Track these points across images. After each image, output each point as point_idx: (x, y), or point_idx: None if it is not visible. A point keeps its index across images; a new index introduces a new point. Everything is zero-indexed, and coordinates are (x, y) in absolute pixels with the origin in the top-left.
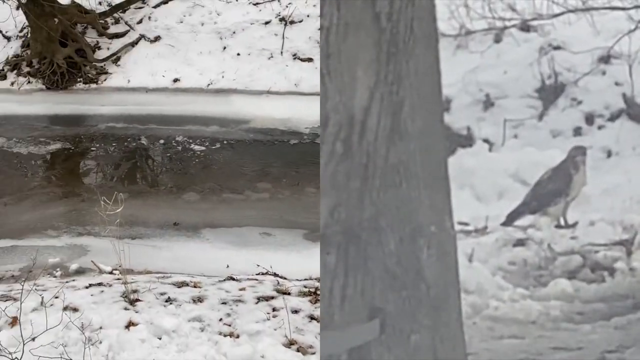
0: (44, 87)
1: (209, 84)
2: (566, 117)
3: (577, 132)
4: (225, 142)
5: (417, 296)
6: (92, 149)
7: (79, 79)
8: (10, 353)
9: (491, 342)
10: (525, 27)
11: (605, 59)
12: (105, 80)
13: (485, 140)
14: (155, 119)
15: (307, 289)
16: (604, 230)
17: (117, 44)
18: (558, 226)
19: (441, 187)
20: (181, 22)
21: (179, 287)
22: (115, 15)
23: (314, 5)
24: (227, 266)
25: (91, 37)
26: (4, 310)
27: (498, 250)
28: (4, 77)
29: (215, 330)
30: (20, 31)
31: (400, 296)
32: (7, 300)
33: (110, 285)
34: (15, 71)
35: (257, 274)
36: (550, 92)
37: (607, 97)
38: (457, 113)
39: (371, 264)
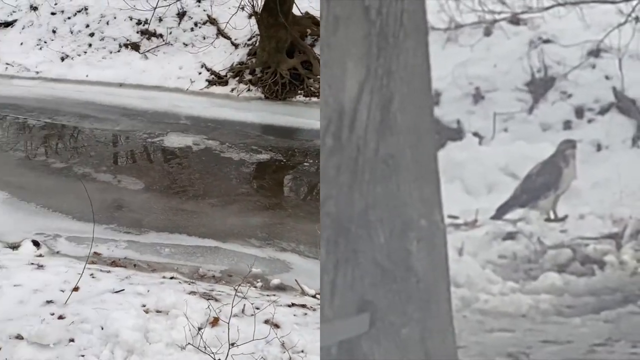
0: (262, 96)
1: None
2: (556, 111)
3: (567, 125)
4: None
5: (407, 289)
6: (305, 164)
7: (299, 91)
8: (213, 353)
9: (481, 335)
10: (515, 21)
11: (595, 52)
12: None
13: (475, 134)
14: None
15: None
16: (593, 224)
17: None
18: (548, 220)
19: (431, 180)
20: None
21: None
22: None
23: None
24: None
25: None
26: (207, 308)
27: (488, 244)
28: (226, 83)
29: None
30: (249, 40)
31: (390, 289)
32: (209, 299)
33: (314, 310)
34: (237, 78)
35: None
36: (540, 86)
37: (597, 90)
38: (447, 106)
39: (361, 258)
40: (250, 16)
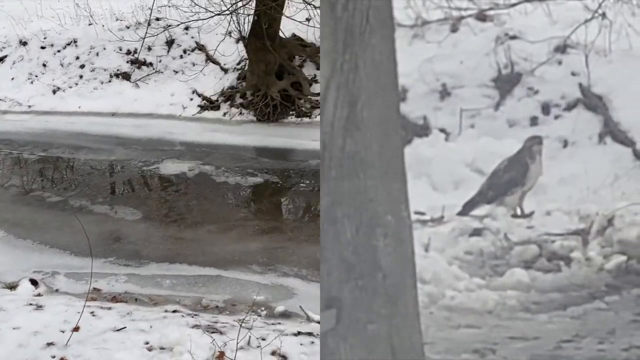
0: (254, 118)
1: None
2: (522, 107)
3: (534, 121)
4: None
5: (374, 286)
6: (301, 185)
7: (291, 112)
8: None
9: (448, 331)
10: (481, 17)
11: (562, 48)
12: (319, 114)
13: (442, 130)
14: None
15: None
16: (560, 220)
17: None
18: (514, 216)
19: (397, 176)
20: None
21: None
22: None
23: None
24: None
25: (309, 70)
26: (212, 343)
27: (454, 240)
28: (218, 108)
29: None
30: (238, 64)
31: (356, 285)
32: (213, 332)
33: None
34: (228, 102)
35: None
36: (506, 82)
37: (564, 86)
38: (413, 103)
39: (327, 254)
40: (237, 41)
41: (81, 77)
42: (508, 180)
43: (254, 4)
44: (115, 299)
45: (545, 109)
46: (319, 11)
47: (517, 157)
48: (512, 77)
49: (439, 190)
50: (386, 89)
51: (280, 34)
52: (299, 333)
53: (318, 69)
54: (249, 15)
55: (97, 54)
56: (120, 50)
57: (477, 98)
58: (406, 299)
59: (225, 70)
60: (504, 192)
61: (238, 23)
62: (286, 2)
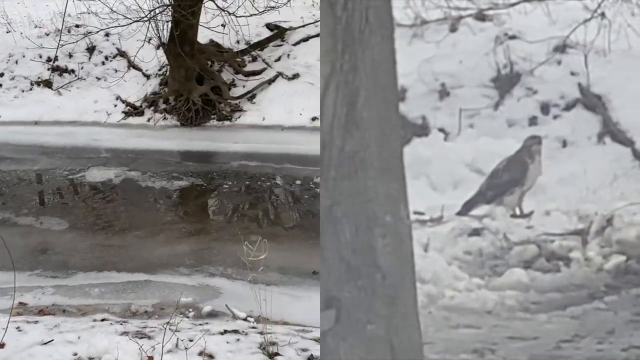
0: (178, 123)
1: None
2: (522, 107)
3: (533, 121)
4: None
5: (373, 286)
6: (225, 186)
7: (212, 116)
8: None
9: (447, 331)
10: (480, 17)
11: (561, 48)
12: (239, 117)
13: (441, 130)
14: (292, 158)
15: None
16: (559, 220)
17: (253, 81)
18: (514, 216)
19: (397, 176)
20: None
21: None
22: (253, 53)
23: None
24: None
25: (228, 75)
26: (140, 348)
27: (454, 240)
28: (142, 114)
29: None
30: (160, 70)
31: (355, 286)
32: (142, 337)
33: (247, 334)
34: (152, 107)
35: None
36: (505, 82)
37: (563, 86)
38: (412, 102)
39: (327, 253)
40: (158, 47)
41: (0, 85)
42: (507, 180)
43: (171, 11)
44: (42, 312)
45: (545, 108)
46: (233, 18)
47: (516, 157)
48: (511, 77)
49: (438, 190)
50: (385, 88)
51: (199, 40)
52: (225, 332)
53: (236, 73)
54: (167, 22)
55: (17, 62)
56: (40, 57)
57: (477, 98)
58: (405, 299)
59: (148, 76)
60: (503, 192)
61: (157, 30)
62: (202, 9)
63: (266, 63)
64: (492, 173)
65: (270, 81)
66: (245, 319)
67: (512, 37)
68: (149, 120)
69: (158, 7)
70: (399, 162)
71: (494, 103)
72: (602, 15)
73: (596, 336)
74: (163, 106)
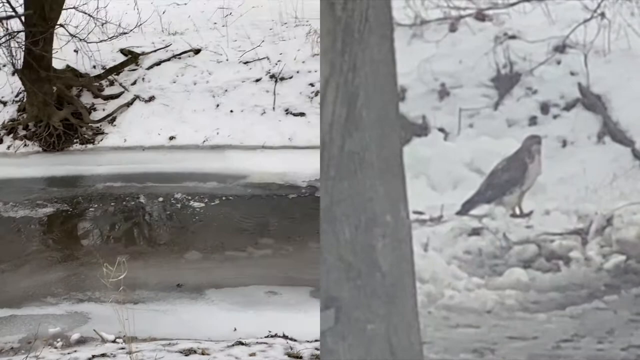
0: (40, 149)
1: (204, 141)
2: (521, 107)
3: (533, 121)
4: (224, 197)
5: (372, 285)
6: (90, 209)
7: (75, 140)
8: None
9: (446, 331)
10: (480, 17)
11: (561, 48)
12: (101, 140)
13: (441, 130)
14: (153, 177)
15: (319, 352)
16: (559, 220)
17: (112, 105)
18: (513, 215)
19: (396, 176)
20: (174, 82)
21: (186, 354)
22: (109, 77)
23: (303, 62)
24: (235, 329)
25: (87, 99)
26: None
27: (453, 240)
28: (1, 141)
29: None
30: (16, 96)
31: (355, 285)
32: None
33: (115, 356)
34: (11, 135)
35: (266, 337)
36: (505, 82)
37: (563, 86)
38: (412, 102)
39: (326, 253)
40: (13, 73)
41: None
42: (507, 180)
43: (23, 37)
44: None
45: (544, 108)
46: (84, 44)
47: (516, 156)
48: (511, 76)
49: (437, 190)
50: (385, 88)
51: (54, 66)
52: (94, 357)
53: (95, 97)
54: (19, 48)
55: None
56: None
57: (476, 98)
58: (405, 299)
59: (4, 103)
60: (503, 191)
61: (11, 56)
62: (55, 35)
63: (123, 87)
64: (491, 173)
65: (129, 104)
66: (114, 341)
67: (512, 37)
68: (8, 147)
69: (8, 34)
70: (398, 162)
71: (493, 103)
72: (602, 15)
73: (596, 336)
74: (23, 132)
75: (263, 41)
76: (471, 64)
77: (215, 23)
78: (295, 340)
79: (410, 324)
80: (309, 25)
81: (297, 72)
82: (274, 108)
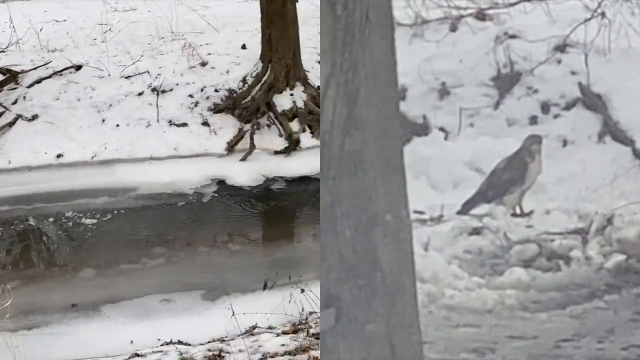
0: None
1: (92, 157)
2: (522, 106)
3: (533, 120)
4: (115, 212)
5: (373, 285)
6: None
7: None
8: None
9: (447, 330)
10: (481, 16)
11: (561, 47)
12: None
13: (441, 129)
14: (42, 197)
15: (211, 352)
16: (559, 219)
17: None
18: (514, 215)
19: (397, 175)
20: (57, 99)
21: None
22: None
23: (181, 74)
24: (131, 342)
25: None
26: None
27: (454, 239)
28: None
29: None
30: None
31: (355, 285)
32: None
33: None
34: None
35: (161, 345)
36: (506, 81)
37: (563, 86)
38: (412, 102)
39: (326, 253)
40: None
41: None
42: (507, 180)
43: None
44: None
45: (545, 108)
46: None
47: (516, 156)
48: (511, 76)
49: (438, 190)
50: (386, 87)
51: None
52: None
53: None
54: None
55: None
56: None
57: (477, 97)
58: (405, 298)
59: None
60: (503, 191)
61: None
62: None
63: (4, 107)
64: (492, 172)
65: (11, 124)
66: None
67: (512, 37)
68: None
69: None
70: (399, 161)
71: (494, 102)
72: (602, 14)
73: (596, 335)
74: None
75: (142, 55)
76: (472, 64)
77: (95, 39)
78: (189, 345)
79: (411, 324)
80: (184, 39)
81: (177, 84)
82: (158, 120)
